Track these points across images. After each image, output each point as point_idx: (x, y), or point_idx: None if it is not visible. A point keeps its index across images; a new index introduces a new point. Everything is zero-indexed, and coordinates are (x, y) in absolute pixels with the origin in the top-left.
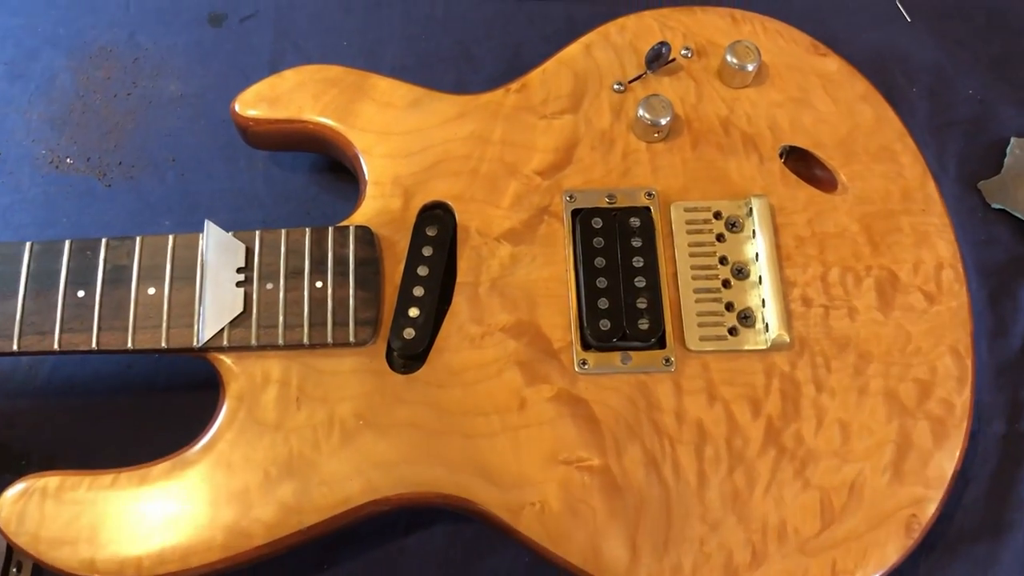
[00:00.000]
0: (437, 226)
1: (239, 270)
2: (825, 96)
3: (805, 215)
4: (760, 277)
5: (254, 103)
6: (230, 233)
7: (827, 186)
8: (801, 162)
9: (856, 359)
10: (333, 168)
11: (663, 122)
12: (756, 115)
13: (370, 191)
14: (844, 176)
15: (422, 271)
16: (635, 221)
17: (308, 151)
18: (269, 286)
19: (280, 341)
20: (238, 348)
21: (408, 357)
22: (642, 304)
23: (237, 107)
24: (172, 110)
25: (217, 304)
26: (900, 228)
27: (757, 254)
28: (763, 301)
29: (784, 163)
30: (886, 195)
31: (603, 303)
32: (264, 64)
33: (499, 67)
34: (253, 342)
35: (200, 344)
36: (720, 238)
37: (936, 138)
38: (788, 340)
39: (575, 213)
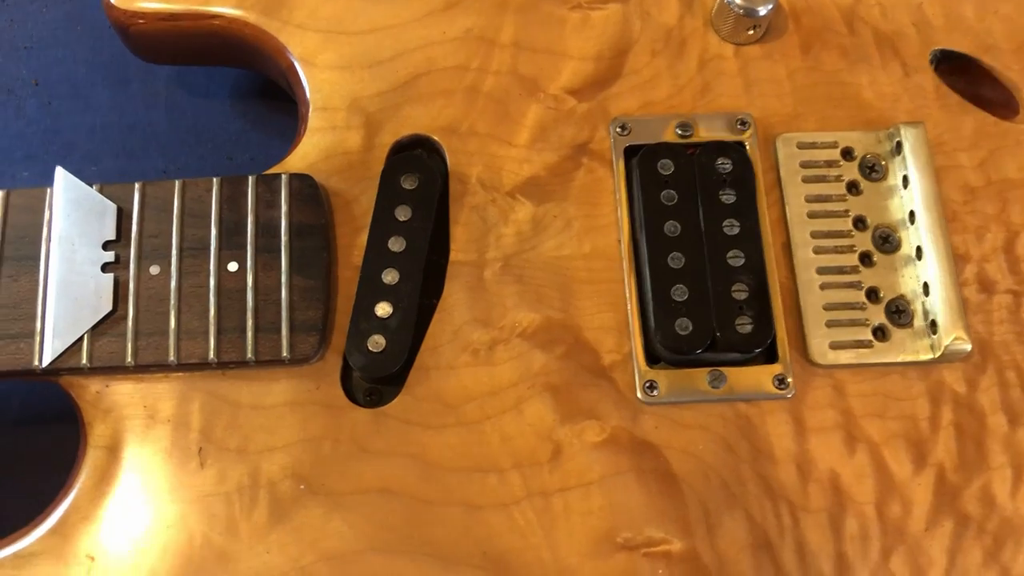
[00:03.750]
0: (418, 174)
1: (107, 245)
2: None
3: (975, 154)
4: (918, 249)
5: None
6: (94, 187)
7: (1001, 110)
8: (960, 77)
9: None
10: (268, 92)
11: (762, 11)
12: (893, 5)
13: (314, 121)
14: None
15: (396, 245)
16: (724, 164)
17: (227, 65)
18: (154, 270)
19: (172, 358)
20: (106, 370)
21: (376, 380)
22: (740, 293)
23: None
24: (35, 11)
25: (70, 300)
26: None
27: (912, 213)
28: (924, 286)
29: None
30: None
31: (679, 292)
32: None
33: None
34: (129, 360)
35: (45, 365)
36: (853, 188)
37: None
38: (968, 347)
39: (630, 153)
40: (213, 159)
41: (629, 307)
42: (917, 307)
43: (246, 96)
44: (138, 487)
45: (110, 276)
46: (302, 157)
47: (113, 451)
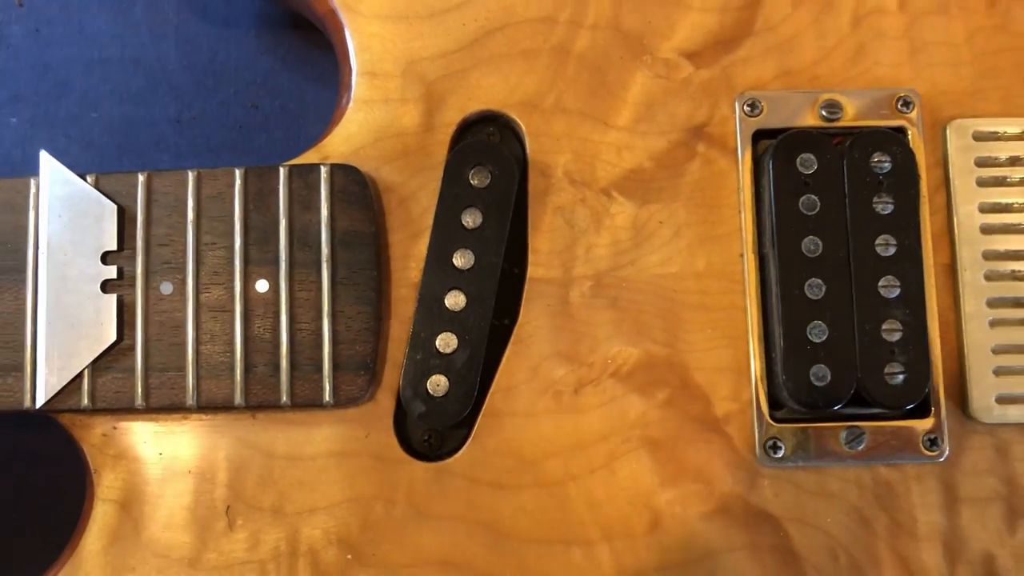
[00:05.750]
0: (491, 168)
1: (107, 257)
2: None
3: None
4: None
5: None
6: (89, 179)
7: None
8: None
9: None
10: (302, 22)
11: None
12: None
13: (360, 89)
14: None
15: (462, 259)
16: (881, 161)
17: None
18: (166, 289)
19: (190, 400)
20: (112, 411)
21: (437, 426)
22: (893, 332)
23: None
24: None
25: (66, 326)
26: None
27: None
28: None
29: None
30: None
31: (817, 331)
32: None
33: None
34: (139, 401)
35: (39, 406)
36: None
37: None
38: None
39: (759, 139)
40: (235, 106)
41: (751, 344)
42: None
43: (274, 27)
44: (155, 551)
45: (112, 297)
46: (345, 139)
47: (125, 506)
